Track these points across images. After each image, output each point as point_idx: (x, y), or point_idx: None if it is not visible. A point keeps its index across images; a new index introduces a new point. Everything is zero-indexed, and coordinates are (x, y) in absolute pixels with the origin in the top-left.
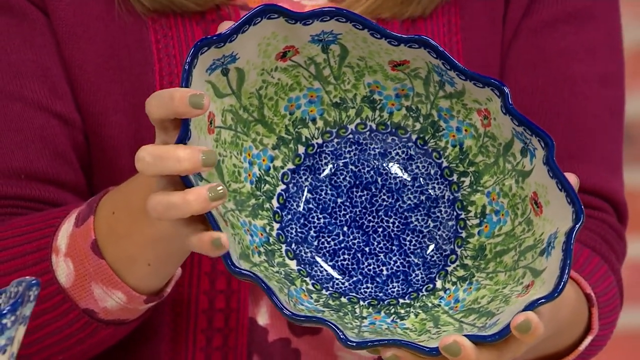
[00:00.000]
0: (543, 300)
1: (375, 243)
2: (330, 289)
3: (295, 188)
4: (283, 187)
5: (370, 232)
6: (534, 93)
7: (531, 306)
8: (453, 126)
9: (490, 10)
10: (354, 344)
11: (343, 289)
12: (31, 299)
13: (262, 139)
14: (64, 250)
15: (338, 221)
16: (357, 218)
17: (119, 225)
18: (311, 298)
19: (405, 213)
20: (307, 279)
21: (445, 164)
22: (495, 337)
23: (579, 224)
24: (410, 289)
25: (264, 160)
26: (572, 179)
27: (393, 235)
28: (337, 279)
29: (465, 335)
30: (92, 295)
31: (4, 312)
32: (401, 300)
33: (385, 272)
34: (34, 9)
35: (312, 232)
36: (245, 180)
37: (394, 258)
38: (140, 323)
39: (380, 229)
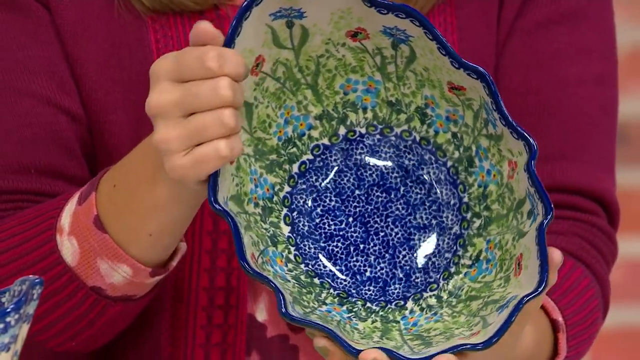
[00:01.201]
0: (464, 347)
1: (372, 244)
2: (310, 267)
3: (321, 163)
4: (310, 157)
5: (372, 233)
6: (528, 93)
7: (454, 348)
8: (485, 167)
9: (485, 11)
10: (289, 317)
11: (321, 272)
12: (34, 298)
13: (307, 104)
14: (68, 229)
15: (347, 210)
16: (366, 215)
17: (120, 197)
18: (286, 266)
19: (412, 229)
20: (292, 248)
21: (466, 199)
22: None
23: (532, 296)
24: (382, 298)
25: (301, 124)
26: (556, 255)
27: (391, 244)
28: (321, 261)
29: (385, 352)
30: (99, 271)
31: (8, 310)
32: (368, 304)
33: (367, 274)
34: (39, 6)
35: (318, 210)
36: (274, 134)
37: (382, 264)
38: (144, 308)
39: (382, 234)
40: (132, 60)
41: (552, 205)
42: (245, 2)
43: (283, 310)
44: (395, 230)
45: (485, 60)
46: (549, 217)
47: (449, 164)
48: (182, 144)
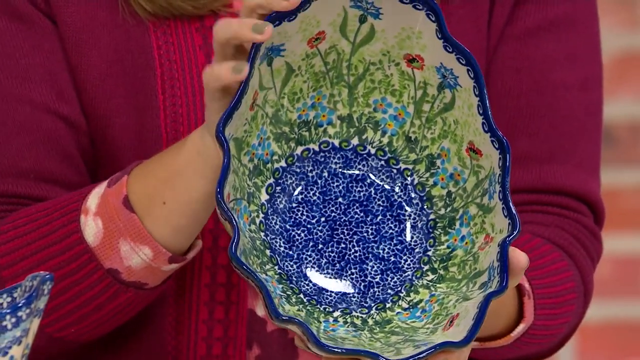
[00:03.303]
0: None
1: (329, 250)
2: (268, 239)
3: (322, 159)
4: (316, 148)
5: (335, 240)
6: (519, 97)
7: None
8: (462, 232)
9: (475, 17)
10: (236, 259)
11: (274, 248)
12: (45, 293)
13: (338, 102)
14: (94, 210)
15: (323, 210)
16: (338, 222)
17: (150, 165)
18: (248, 225)
19: (370, 256)
20: (261, 216)
21: (430, 253)
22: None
23: (455, 345)
24: (315, 297)
25: (323, 116)
26: (523, 259)
27: (345, 258)
28: (280, 239)
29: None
30: (119, 253)
31: (20, 305)
32: (300, 296)
33: (312, 272)
34: (42, 17)
35: (299, 197)
36: (297, 110)
37: (327, 270)
38: (148, 305)
39: (342, 246)
40: (135, 67)
41: (506, 284)
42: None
43: (233, 251)
44: (356, 248)
45: None
46: (499, 291)
47: (431, 216)
48: (217, 57)
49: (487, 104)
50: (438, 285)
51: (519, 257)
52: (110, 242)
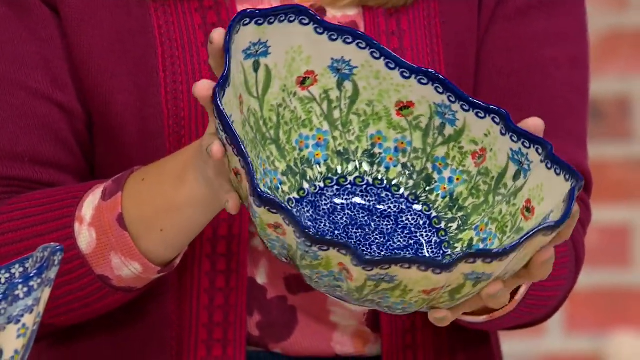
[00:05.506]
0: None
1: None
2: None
3: (298, 214)
4: (289, 207)
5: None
6: (510, 75)
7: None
8: (445, 177)
9: None
10: (315, 237)
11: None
12: (55, 263)
13: (274, 160)
14: (89, 220)
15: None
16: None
17: (146, 190)
18: None
19: (395, 249)
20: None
21: (434, 214)
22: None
23: (575, 187)
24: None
25: (274, 179)
26: (539, 122)
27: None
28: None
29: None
30: (110, 264)
31: (31, 275)
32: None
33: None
34: (40, 4)
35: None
36: (260, 180)
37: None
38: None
39: (368, 257)
40: (136, 46)
41: (547, 141)
42: (227, 34)
43: (304, 227)
44: (381, 252)
45: (467, 45)
46: (551, 148)
47: (406, 194)
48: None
49: (395, 56)
50: (469, 222)
51: (533, 121)
52: (102, 253)
